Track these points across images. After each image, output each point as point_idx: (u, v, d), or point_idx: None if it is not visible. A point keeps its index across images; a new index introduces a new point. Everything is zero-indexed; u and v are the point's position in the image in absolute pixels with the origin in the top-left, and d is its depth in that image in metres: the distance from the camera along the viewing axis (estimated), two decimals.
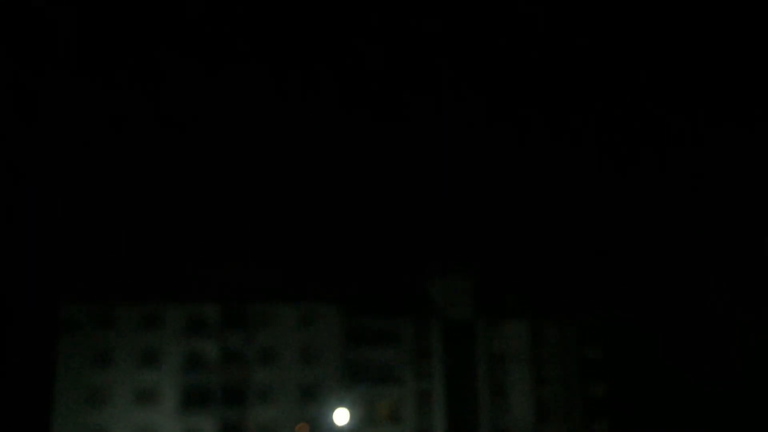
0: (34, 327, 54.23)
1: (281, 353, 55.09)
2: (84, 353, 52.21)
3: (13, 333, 54.75)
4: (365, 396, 55.74)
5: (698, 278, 67.03)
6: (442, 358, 58.22)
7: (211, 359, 53.98)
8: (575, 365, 61.00)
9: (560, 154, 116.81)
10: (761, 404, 61.93)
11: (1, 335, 54.74)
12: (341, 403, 51.84)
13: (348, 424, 49.68)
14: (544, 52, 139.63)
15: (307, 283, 57.36)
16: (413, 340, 57.96)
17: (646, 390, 62.17)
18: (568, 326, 61.41)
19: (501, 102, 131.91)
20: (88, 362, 52.17)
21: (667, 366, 62.81)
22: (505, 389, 59.02)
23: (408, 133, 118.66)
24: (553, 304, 62.42)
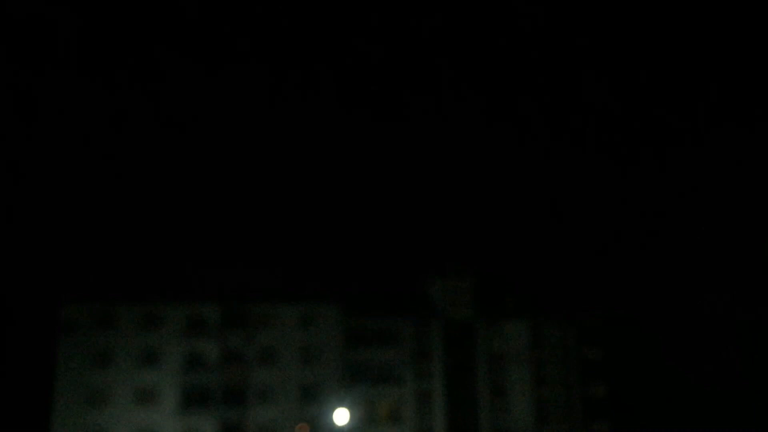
0: (34, 327, 54.25)
1: (281, 353, 55.07)
2: (84, 353, 52.19)
3: (13, 333, 54.76)
4: (365, 396, 55.73)
5: (698, 278, 67.04)
6: (442, 358, 58.21)
7: (211, 359, 53.97)
8: (575, 365, 60.98)
9: (560, 154, 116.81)
10: (761, 404, 61.92)
11: (1, 335, 54.74)
12: (341, 403, 51.81)
13: (348, 424, 49.63)
14: (544, 52, 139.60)
15: (307, 283, 57.39)
16: (413, 340, 57.95)
17: (646, 390, 62.15)
18: (568, 326, 61.39)
19: (501, 102, 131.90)
20: (88, 362, 52.15)
21: (667, 366, 62.80)
22: (505, 389, 58.99)
23: (408, 133, 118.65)
24: (553, 304, 62.40)
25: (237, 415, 53.41)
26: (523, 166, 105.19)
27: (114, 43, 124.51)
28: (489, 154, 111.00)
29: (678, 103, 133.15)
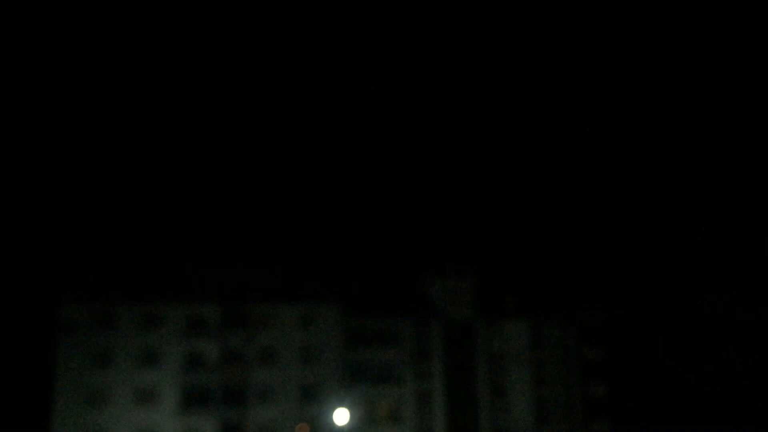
0: (34, 327, 54.25)
1: (281, 353, 55.08)
2: (84, 353, 52.19)
3: (13, 333, 54.76)
4: (365, 396, 55.73)
5: (698, 278, 67.05)
6: (442, 358, 58.21)
7: (211, 359, 53.97)
8: (575, 365, 60.98)
9: (560, 154, 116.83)
10: (761, 404, 61.92)
11: (1, 335, 54.75)
12: (341, 403, 51.81)
13: (348, 424, 49.64)
14: (544, 52, 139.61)
15: (307, 283, 57.40)
16: (413, 340, 57.95)
17: (646, 390, 62.15)
18: (568, 326, 61.38)
19: (501, 102, 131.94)
20: (88, 362, 52.15)
21: (667, 366, 62.79)
22: (505, 389, 58.99)
23: (408, 133, 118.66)
24: (553, 304, 62.40)
25: (237, 415, 53.41)
26: (523, 166, 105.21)
27: (114, 43, 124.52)
28: (489, 154, 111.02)
29: (678, 103, 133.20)
